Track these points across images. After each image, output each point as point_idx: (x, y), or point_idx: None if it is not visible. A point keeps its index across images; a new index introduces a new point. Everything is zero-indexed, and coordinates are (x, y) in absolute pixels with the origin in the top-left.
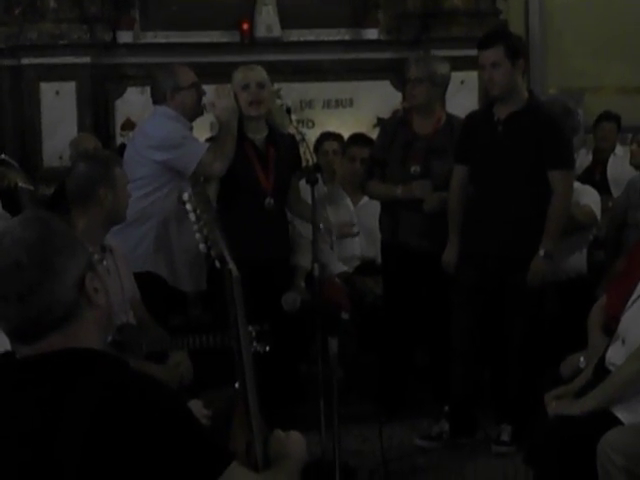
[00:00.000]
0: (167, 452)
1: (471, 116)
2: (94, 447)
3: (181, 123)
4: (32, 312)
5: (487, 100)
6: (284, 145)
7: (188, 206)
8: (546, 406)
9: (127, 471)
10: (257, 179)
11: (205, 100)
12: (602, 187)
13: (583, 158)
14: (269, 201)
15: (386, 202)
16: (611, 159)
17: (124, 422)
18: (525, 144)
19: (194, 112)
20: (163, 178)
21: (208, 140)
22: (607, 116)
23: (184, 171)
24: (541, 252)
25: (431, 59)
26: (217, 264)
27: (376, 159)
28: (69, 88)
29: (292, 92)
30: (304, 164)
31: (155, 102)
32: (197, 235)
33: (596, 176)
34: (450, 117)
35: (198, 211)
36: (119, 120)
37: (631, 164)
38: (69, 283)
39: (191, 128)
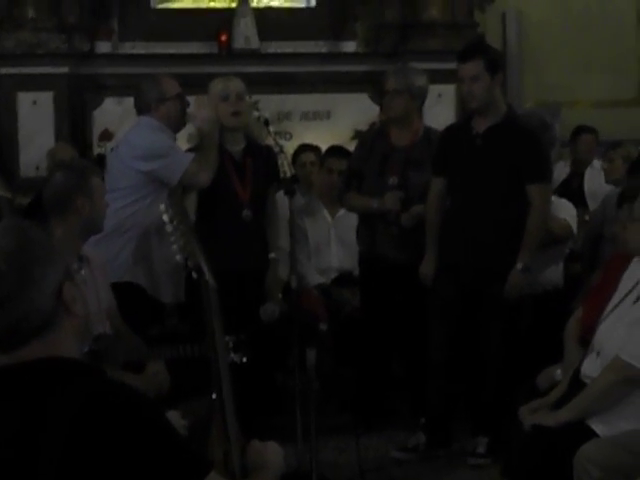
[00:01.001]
0: (145, 461)
1: (449, 129)
2: (73, 456)
3: (166, 134)
4: (10, 320)
5: (465, 113)
6: (261, 157)
7: (165, 217)
8: (521, 419)
9: None
10: (234, 191)
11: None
12: (579, 199)
13: (561, 171)
14: (246, 213)
15: (363, 214)
16: (588, 172)
17: (103, 431)
18: (503, 157)
19: (178, 123)
20: (146, 189)
21: (188, 151)
22: (586, 128)
23: (169, 181)
24: (519, 265)
25: (409, 71)
26: (194, 275)
27: (353, 171)
28: (46, 98)
29: (270, 104)
30: (282, 176)
31: (139, 112)
32: (174, 246)
33: (573, 188)
34: (428, 129)
35: (175, 222)
36: (97, 130)
37: (607, 182)
38: (47, 292)
39: (174, 139)
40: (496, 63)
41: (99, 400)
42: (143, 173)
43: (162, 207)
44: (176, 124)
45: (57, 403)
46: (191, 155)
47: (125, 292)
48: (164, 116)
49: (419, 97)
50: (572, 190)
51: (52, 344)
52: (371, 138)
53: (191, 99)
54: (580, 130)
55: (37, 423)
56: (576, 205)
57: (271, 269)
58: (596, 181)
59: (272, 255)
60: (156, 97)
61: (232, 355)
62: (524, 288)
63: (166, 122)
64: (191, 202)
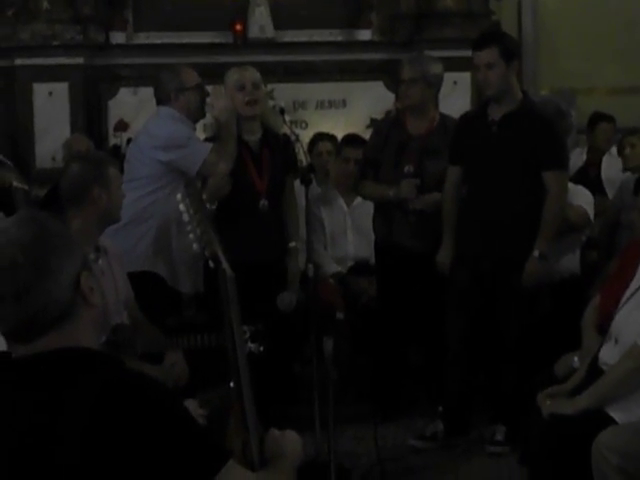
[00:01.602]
0: (164, 450)
1: (465, 117)
2: (92, 445)
3: (185, 124)
4: (28, 312)
5: (481, 101)
6: (278, 146)
7: (182, 206)
8: (539, 406)
9: (125, 469)
10: (251, 181)
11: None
12: (597, 187)
13: (577, 158)
14: (264, 203)
15: (380, 203)
16: (605, 159)
17: (121, 420)
18: (519, 145)
19: (198, 113)
20: (166, 178)
21: (205, 141)
22: (604, 117)
23: (188, 171)
24: (536, 253)
25: (424, 59)
26: (211, 264)
27: (369, 160)
28: (62, 89)
29: (285, 93)
30: (298, 165)
31: (159, 102)
32: (191, 235)
33: (591, 176)
34: (444, 117)
35: (191, 211)
36: (112, 121)
37: (626, 169)
38: (65, 282)
39: (194, 130)
40: (511, 50)
41: (117, 389)
42: (162, 163)
43: (179, 197)
44: (196, 114)
45: (75, 393)
46: (210, 145)
47: (144, 282)
48: (184, 106)
49: (435, 85)
50: (589, 178)
51: (70, 335)
52: (387, 127)
53: (208, 89)
54: (598, 118)
55: (55, 413)
56: (594, 193)
57: (292, 258)
58: (614, 168)
59: (292, 244)
60: (175, 87)
61: (250, 345)
62: (542, 276)
63: (186, 112)
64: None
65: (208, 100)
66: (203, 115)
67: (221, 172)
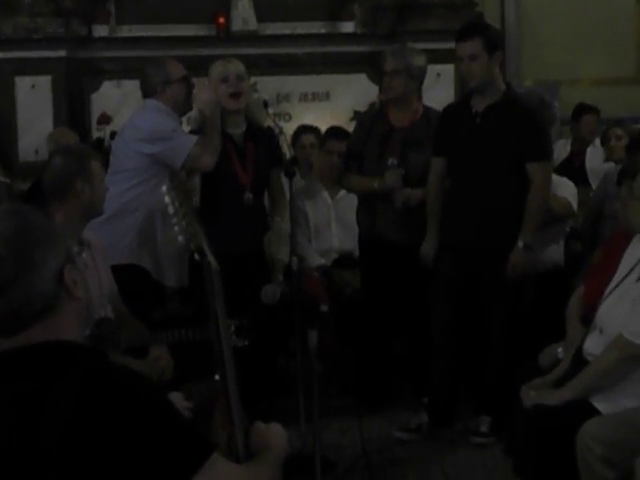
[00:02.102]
0: (148, 443)
1: (449, 108)
2: (76, 438)
3: (170, 117)
4: (12, 305)
5: (464, 92)
6: (263, 139)
7: (167, 198)
8: (523, 397)
9: (108, 462)
10: (236, 174)
11: None
12: (580, 178)
13: (561, 149)
14: (248, 196)
15: (363, 195)
16: (589, 150)
17: (105, 413)
18: (503, 136)
19: (184, 106)
20: (151, 171)
21: (191, 134)
22: (588, 108)
23: (173, 164)
24: (520, 244)
25: (408, 51)
26: (196, 256)
27: (353, 152)
28: (44, 82)
29: (268, 85)
30: (282, 158)
31: (145, 95)
32: (176, 227)
33: (575, 167)
34: (427, 109)
35: (176, 203)
36: (95, 114)
37: (609, 160)
38: (48, 275)
39: (180, 123)
40: (495, 42)
41: (100, 382)
42: (147, 155)
43: (164, 189)
44: (182, 107)
45: (58, 386)
46: (195, 138)
47: (129, 274)
48: (170, 99)
49: (418, 77)
50: (574, 169)
51: (53, 328)
52: (370, 119)
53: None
54: (582, 110)
55: (39, 406)
56: (578, 184)
57: (273, 230)
58: (598, 159)
59: (277, 219)
60: (161, 80)
61: (234, 339)
62: (526, 267)
63: (172, 105)
64: (195, 185)
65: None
66: (190, 108)
67: (205, 165)
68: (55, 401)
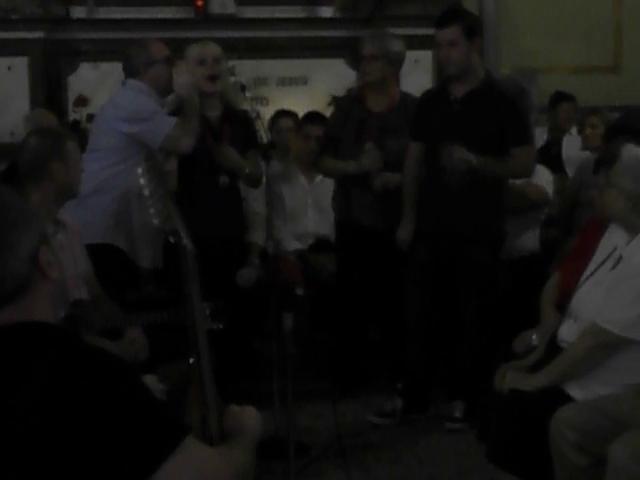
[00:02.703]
0: (121, 424)
1: (427, 94)
2: (47, 419)
3: (152, 97)
4: None
5: (443, 79)
6: (239, 122)
7: (142, 180)
8: (497, 379)
9: (80, 444)
10: (212, 157)
11: None
12: (557, 166)
13: (538, 137)
14: (224, 179)
15: (339, 180)
16: (566, 138)
17: (77, 394)
18: (482, 122)
19: (167, 86)
20: (129, 151)
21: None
22: (565, 96)
23: (151, 145)
24: (474, 160)
25: (386, 36)
26: (171, 239)
27: (330, 136)
28: (21, 63)
29: (246, 69)
30: (259, 141)
31: (127, 76)
32: (151, 210)
33: (551, 155)
34: (404, 95)
35: (152, 185)
36: (72, 96)
37: (586, 149)
38: (23, 256)
39: (162, 105)
40: (474, 28)
41: (73, 363)
42: (125, 135)
43: (139, 171)
44: (164, 88)
45: (31, 367)
46: (174, 120)
47: (104, 254)
48: (153, 80)
49: (396, 62)
50: (550, 157)
51: (27, 309)
52: (348, 104)
53: None
54: (559, 98)
55: (11, 387)
56: (555, 171)
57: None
58: (574, 148)
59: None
60: (144, 61)
61: (210, 322)
62: (461, 164)
63: (154, 86)
64: (173, 167)
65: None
66: (172, 89)
67: (184, 147)
68: (27, 382)
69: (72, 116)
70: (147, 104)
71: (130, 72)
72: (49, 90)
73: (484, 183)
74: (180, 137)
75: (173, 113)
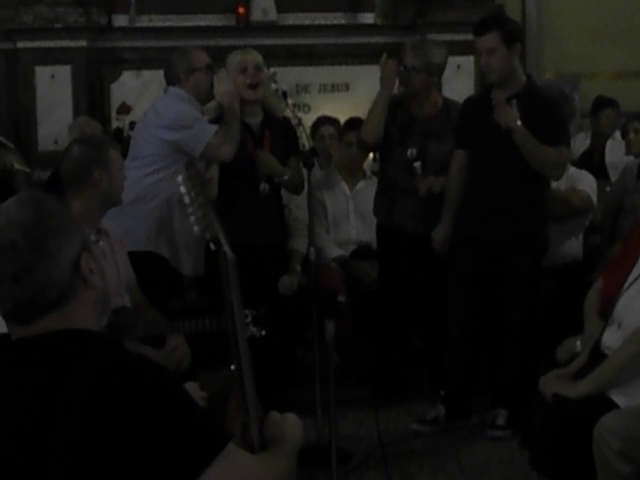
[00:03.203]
0: (163, 432)
1: (469, 101)
2: (90, 427)
3: (192, 105)
4: (27, 293)
5: (485, 84)
6: (279, 129)
7: (182, 188)
8: (542, 389)
9: (123, 452)
10: (252, 164)
11: None
12: (600, 171)
13: (581, 142)
14: (264, 186)
15: (382, 186)
16: (609, 144)
17: (120, 402)
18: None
19: (207, 94)
20: (170, 158)
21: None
22: (607, 101)
23: (192, 152)
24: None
25: (428, 46)
26: (212, 246)
27: None
28: (64, 72)
29: (288, 76)
30: (300, 148)
31: (169, 83)
32: (192, 217)
33: (595, 160)
34: (446, 101)
35: (192, 193)
36: (114, 104)
37: (629, 154)
38: (64, 264)
39: (202, 112)
40: (513, 34)
41: (116, 371)
42: (167, 142)
43: (180, 179)
44: (205, 95)
45: (74, 374)
46: (214, 127)
47: (147, 262)
48: (193, 87)
49: (437, 73)
50: (593, 162)
51: (69, 316)
52: (391, 107)
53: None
54: (602, 103)
55: (54, 394)
56: (598, 177)
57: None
58: (618, 153)
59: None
60: (185, 68)
61: (251, 329)
62: (510, 119)
63: (195, 93)
64: (214, 175)
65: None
66: (212, 97)
67: (224, 155)
68: (70, 390)
69: (115, 124)
70: (188, 112)
71: (171, 80)
72: (92, 98)
73: (526, 188)
74: (221, 145)
75: (214, 121)
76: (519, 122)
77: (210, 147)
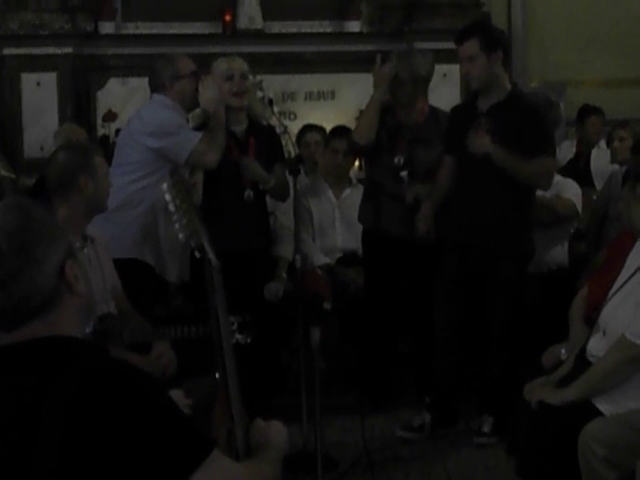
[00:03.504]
0: (148, 439)
1: (456, 108)
2: (75, 434)
3: (177, 112)
4: (12, 300)
5: (471, 92)
6: (265, 136)
7: (167, 196)
8: (526, 397)
9: (107, 458)
10: (237, 171)
11: None
12: (585, 179)
13: (567, 150)
14: (249, 193)
15: (368, 190)
16: (595, 152)
17: (104, 408)
18: (507, 135)
19: (192, 101)
20: (155, 165)
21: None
22: (593, 110)
23: (177, 159)
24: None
25: (414, 58)
26: (197, 254)
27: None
28: (50, 79)
29: (274, 84)
30: (286, 156)
31: (153, 90)
32: (176, 225)
33: (580, 168)
34: (433, 109)
35: (177, 201)
36: (100, 111)
37: (614, 162)
38: (49, 270)
39: (187, 119)
40: (494, 41)
41: (100, 378)
42: (152, 150)
43: (164, 186)
44: (190, 102)
45: (58, 381)
46: (199, 135)
47: (132, 269)
48: (178, 94)
49: (423, 83)
50: (579, 170)
51: (54, 323)
52: (382, 111)
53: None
54: (587, 111)
55: (38, 401)
56: (583, 185)
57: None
58: (603, 161)
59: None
60: (170, 75)
61: (237, 336)
62: (483, 146)
63: (180, 100)
64: (199, 181)
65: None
66: (197, 104)
67: (209, 162)
68: (54, 396)
69: (101, 131)
70: (172, 118)
71: (156, 87)
72: (78, 105)
73: (511, 195)
74: (206, 152)
75: (199, 127)
76: (491, 147)
77: (195, 154)
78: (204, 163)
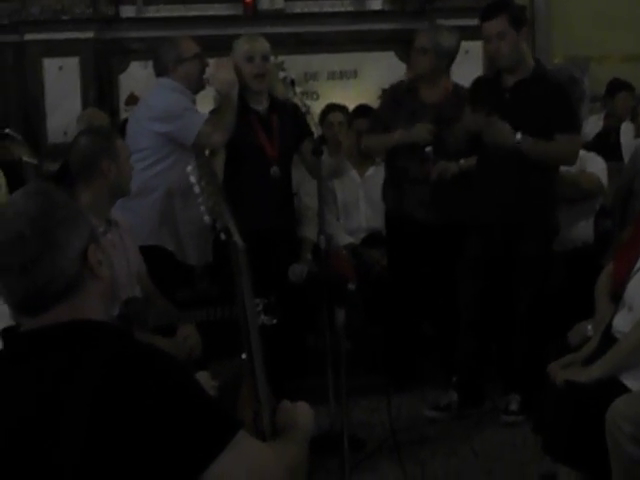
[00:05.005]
0: (175, 421)
1: (478, 81)
2: (101, 418)
3: (183, 95)
4: (35, 284)
5: (494, 68)
6: (287, 113)
7: (192, 178)
8: (552, 375)
9: (134, 441)
10: (262, 148)
11: (206, 73)
12: (615, 153)
13: (594, 125)
14: (275, 169)
15: (390, 173)
16: (624, 126)
17: (130, 392)
18: (532, 111)
19: (198, 83)
20: (166, 149)
21: (211, 113)
22: (623, 85)
23: (184, 142)
24: (519, 136)
25: (439, 30)
26: (222, 236)
27: (379, 117)
28: (72, 63)
29: (296, 64)
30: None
31: (158, 74)
32: (202, 207)
33: (610, 142)
34: (457, 87)
35: (202, 183)
36: (123, 95)
37: (638, 136)
38: (72, 255)
39: (194, 101)
40: (520, 18)
41: (125, 361)
42: (160, 134)
43: (189, 168)
44: (195, 85)
45: (84, 365)
46: (205, 116)
47: (152, 256)
48: (183, 77)
49: (445, 56)
50: (609, 144)
51: (78, 307)
52: (399, 93)
53: (208, 60)
54: (617, 86)
55: (64, 385)
56: (612, 158)
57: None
58: (631, 135)
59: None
60: (174, 58)
61: (262, 317)
62: (497, 137)
63: (185, 83)
64: (219, 162)
65: (207, 71)
66: (203, 86)
67: (215, 143)
68: (80, 380)
69: (123, 115)
70: (178, 101)
71: (160, 71)
72: (100, 89)
73: (535, 171)
74: (211, 133)
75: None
76: (518, 135)
77: (201, 135)
78: (210, 144)
